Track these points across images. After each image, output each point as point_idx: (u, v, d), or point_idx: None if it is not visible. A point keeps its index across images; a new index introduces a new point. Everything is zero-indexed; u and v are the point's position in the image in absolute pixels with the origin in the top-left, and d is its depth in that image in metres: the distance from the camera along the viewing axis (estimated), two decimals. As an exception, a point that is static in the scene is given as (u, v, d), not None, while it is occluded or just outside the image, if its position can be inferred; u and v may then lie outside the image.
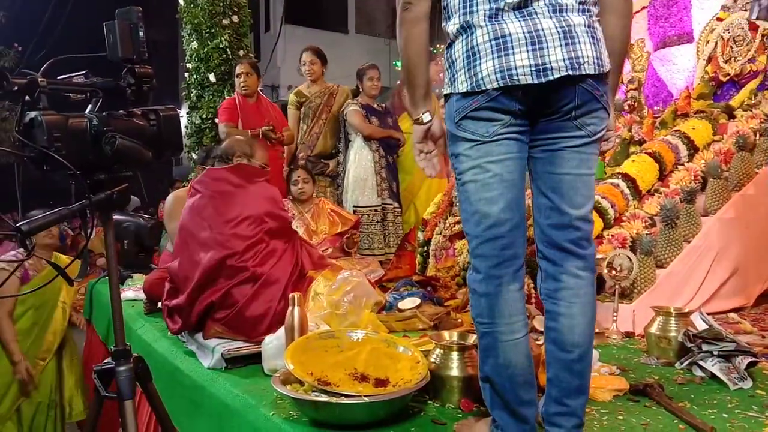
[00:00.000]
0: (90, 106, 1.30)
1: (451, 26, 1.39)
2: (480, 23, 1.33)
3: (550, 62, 1.30)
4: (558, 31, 1.31)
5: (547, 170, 1.41)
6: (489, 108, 1.33)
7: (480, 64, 1.32)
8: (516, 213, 1.38)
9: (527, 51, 1.30)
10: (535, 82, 1.30)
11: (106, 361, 1.37)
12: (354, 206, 4.31)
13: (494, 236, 1.36)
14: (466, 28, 1.36)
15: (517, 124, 1.35)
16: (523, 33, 1.31)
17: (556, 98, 1.34)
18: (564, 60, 1.30)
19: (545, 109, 1.35)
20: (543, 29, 1.31)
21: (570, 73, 1.30)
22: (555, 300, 1.41)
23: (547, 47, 1.30)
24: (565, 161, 1.40)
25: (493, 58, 1.32)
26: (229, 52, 5.94)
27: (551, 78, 1.30)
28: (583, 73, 1.32)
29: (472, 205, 1.38)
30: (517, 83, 1.30)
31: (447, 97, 1.42)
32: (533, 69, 1.30)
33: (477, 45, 1.33)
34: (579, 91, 1.34)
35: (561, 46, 1.31)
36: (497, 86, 1.31)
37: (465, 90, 1.34)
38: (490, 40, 1.32)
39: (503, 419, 1.40)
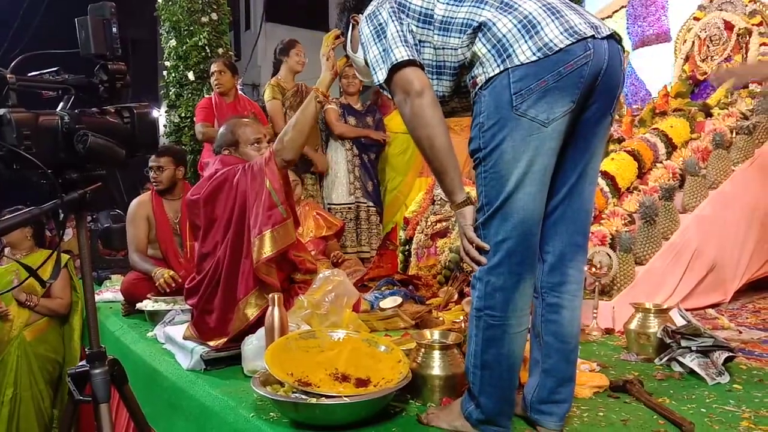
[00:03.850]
0: (62, 104, 1.27)
1: (480, 6, 1.36)
2: None
3: (594, 24, 1.34)
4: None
5: (580, 162, 1.41)
6: (555, 87, 1.29)
7: (542, 28, 1.30)
8: (544, 206, 1.39)
9: (573, 14, 1.34)
10: (595, 34, 1.31)
11: (80, 363, 1.34)
12: (328, 203, 4.31)
13: (526, 233, 1.35)
14: (507, 6, 1.34)
15: (573, 110, 1.33)
16: (561, 2, 1.37)
17: (611, 67, 1.34)
18: (599, 26, 1.35)
19: (601, 86, 1.35)
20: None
21: (607, 33, 1.35)
22: (558, 293, 1.44)
23: (585, 15, 1.37)
24: (596, 153, 1.44)
25: (552, 21, 1.31)
26: (208, 50, 5.86)
27: (604, 33, 1.33)
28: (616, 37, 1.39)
29: (509, 198, 1.33)
30: (584, 35, 1.30)
31: (491, 79, 1.33)
32: (587, 25, 1.32)
33: (531, 13, 1.32)
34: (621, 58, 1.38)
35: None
36: (569, 42, 1.29)
37: (532, 59, 1.29)
38: (541, 8, 1.33)
39: (491, 404, 1.41)
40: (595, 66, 1.32)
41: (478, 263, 1.38)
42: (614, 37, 1.37)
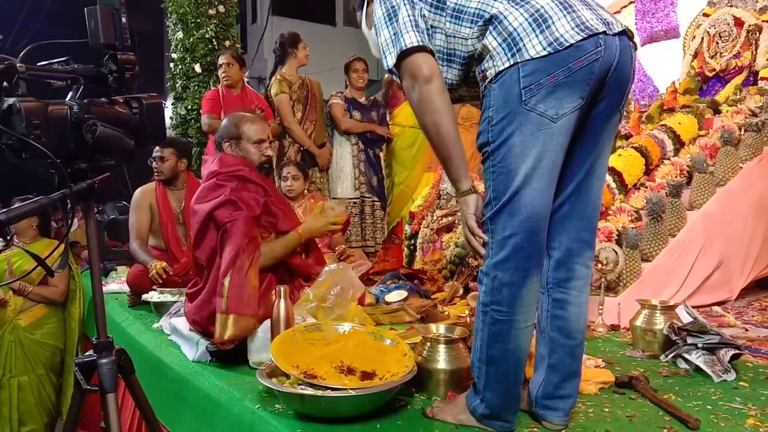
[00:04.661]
0: (71, 93, 1.27)
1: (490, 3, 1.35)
2: None
3: (606, 20, 1.33)
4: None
5: (588, 158, 1.41)
6: (565, 83, 1.28)
7: (554, 23, 1.29)
8: (551, 202, 1.38)
9: (585, 10, 1.33)
10: (606, 30, 1.30)
11: (88, 353, 1.35)
12: (333, 197, 4.32)
13: (533, 229, 1.34)
14: (519, 1, 1.33)
15: (582, 106, 1.32)
16: None
17: (622, 63, 1.33)
18: (611, 22, 1.34)
19: (611, 82, 1.34)
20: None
21: (619, 30, 1.34)
22: (565, 289, 1.44)
23: (597, 11, 1.36)
24: (604, 150, 1.43)
25: (564, 16, 1.30)
26: (215, 43, 5.86)
27: (616, 30, 1.32)
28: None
29: (517, 193, 1.33)
30: (595, 31, 1.29)
31: (501, 73, 1.32)
32: (599, 21, 1.31)
33: (543, 7, 1.31)
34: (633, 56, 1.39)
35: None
36: (580, 38, 1.28)
37: (542, 54, 1.28)
38: (553, 2, 1.32)
39: (496, 399, 1.41)
40: (606, 62, 1.31)
41: (479, 253, 1.39)
42: (626, 34, 1.36)
